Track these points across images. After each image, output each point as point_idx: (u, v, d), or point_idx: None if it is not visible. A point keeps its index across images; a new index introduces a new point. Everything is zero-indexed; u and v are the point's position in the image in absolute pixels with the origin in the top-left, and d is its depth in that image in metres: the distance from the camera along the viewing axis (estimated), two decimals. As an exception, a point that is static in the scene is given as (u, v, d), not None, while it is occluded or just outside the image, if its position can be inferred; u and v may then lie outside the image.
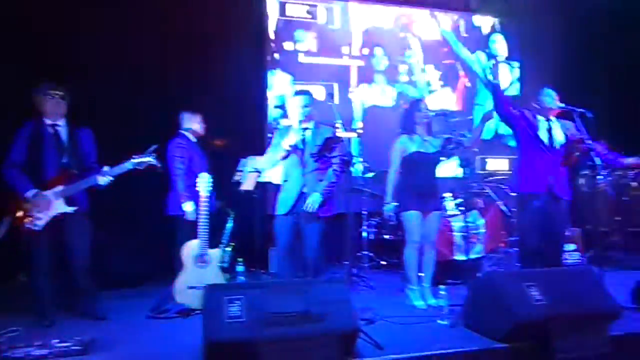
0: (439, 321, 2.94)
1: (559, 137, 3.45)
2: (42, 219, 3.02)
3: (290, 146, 3.21)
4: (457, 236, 4.15)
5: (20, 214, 3.01)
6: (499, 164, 5.99)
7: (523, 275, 2.71)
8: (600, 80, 6.00)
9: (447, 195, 4.35)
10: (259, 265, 4.65)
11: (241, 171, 4.67)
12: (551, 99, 3.46)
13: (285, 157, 3.27)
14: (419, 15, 6.14)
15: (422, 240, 3.45)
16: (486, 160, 5.96)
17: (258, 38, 5.42)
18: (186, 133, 3.91)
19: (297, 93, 3.40)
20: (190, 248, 3.35)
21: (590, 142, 3.34)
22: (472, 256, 4.14)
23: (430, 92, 6.11)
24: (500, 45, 6.53)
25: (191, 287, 3.26)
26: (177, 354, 2.53)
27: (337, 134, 3.20)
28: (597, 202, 4.84)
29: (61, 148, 3.15)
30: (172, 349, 2.61)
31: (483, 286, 2.78)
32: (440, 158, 3.54)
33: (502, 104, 3.49)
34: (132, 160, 3.15)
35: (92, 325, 3.03)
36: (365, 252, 4.81)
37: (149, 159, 3.16)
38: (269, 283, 2.68)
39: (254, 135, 5.18)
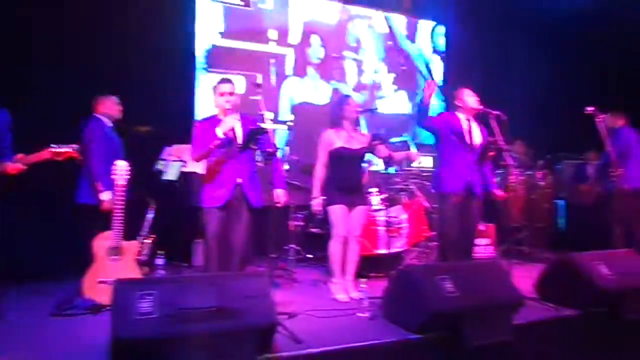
0: (359, 314, 2.99)
1: (477, 137, 3.63)
2: None
3: (224, 134, 3.04)
4: (380, 230, 4.25)
5: None
6: (423, 161, 6.21)
7: (437, 268, 2.82)
8: (521, 80, 6.39)
9: (373, 190, 4.44)
10: (181, 259, 4.49)
11: (164, 160, 4.48)
12: (472, 99, 3.64)
13: (219, 147, 3.09)
14: (369, 11, 6.07)
15: (347, 234, 3.49)
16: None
17: (186, 22, 5.19)
18: (101, 117, 3.66)
19: (222, 81, 3.25)
20: (104, 239, 3.15)
21: (503, 143, 3.53)
22: (394, 250, 4.26)
23: (380, 97, 6.12)
24: (442, 40, 6.74)
25: (102, 282, 3.06)
26: (82, 354, 2.36)
27: (263, 126, 3.11)
28: (509, 200, 5.17)
29: None
30: (77, 349, 2.43)
31: (400, 279, 2.86)
32: (366, 153, 3.60)
33: (424, 121, 3.66)
34: (50, 150, 2.91)
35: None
36: (292, 246, 4.79)
37: (67, 150, 2.95)
38: (184, 277, 2.57)
39: (180, 123, 4.97)
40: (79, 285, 3.08)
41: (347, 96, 3.73)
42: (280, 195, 3.37)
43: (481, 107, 3.60)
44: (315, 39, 5.75)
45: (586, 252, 3.30)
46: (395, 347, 2.55)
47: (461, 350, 2.56)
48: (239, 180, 3.13)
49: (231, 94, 3.17)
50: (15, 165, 2.86)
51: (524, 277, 3.54)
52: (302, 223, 4.94)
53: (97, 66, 4.33)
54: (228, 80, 3.27)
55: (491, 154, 3.56)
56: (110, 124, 3.70)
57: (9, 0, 4.02)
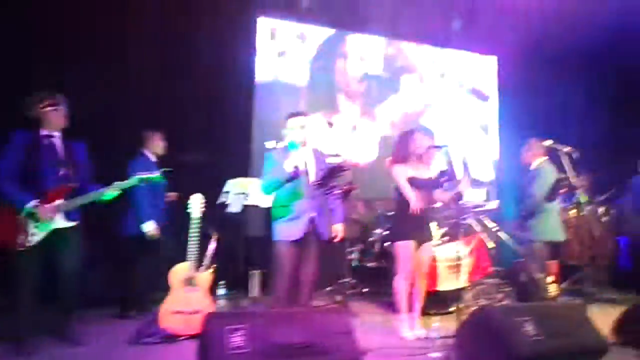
0: (431, 354, 2.94)
1: None
2: (38, 234, 2.82)
3: (293, 168, 3.14)
4: (440, 266, 4.18)
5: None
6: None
7: (517, 309, 2.75)
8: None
9: (432, 224, 4.39)
10: (238, 289, 4.52)
11: (227, 192, 4.58)
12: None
13: (289, 180, 3.14)
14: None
15: (414, 271, 3.46)
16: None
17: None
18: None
19: (291, 115, 3.31)
20: (180, 270, 3.24)
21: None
22: (455, 287, 4.18)
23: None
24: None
25: (178, 312, 3.14)
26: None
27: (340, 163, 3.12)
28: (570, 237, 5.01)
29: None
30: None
31: (476, 320, 2.79)
32: None
33: None
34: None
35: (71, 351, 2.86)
36: (348, 279, 4.77)
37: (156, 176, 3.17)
38: (271, 312, 2.61)
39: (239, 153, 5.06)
40: (155, 314, 3.15)
41: (412, 131, 3.68)
42: (339, 230, 3.41)
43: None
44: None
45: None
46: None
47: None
48: (313, 214, 3.15)
49: (302, 127, 3.21)
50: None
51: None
52: (356, 257, 4.93)
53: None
54: (298, 114, 3.30)
55: (562, 191, 3.51)
56: (154, 159, 3.90)
57: None
